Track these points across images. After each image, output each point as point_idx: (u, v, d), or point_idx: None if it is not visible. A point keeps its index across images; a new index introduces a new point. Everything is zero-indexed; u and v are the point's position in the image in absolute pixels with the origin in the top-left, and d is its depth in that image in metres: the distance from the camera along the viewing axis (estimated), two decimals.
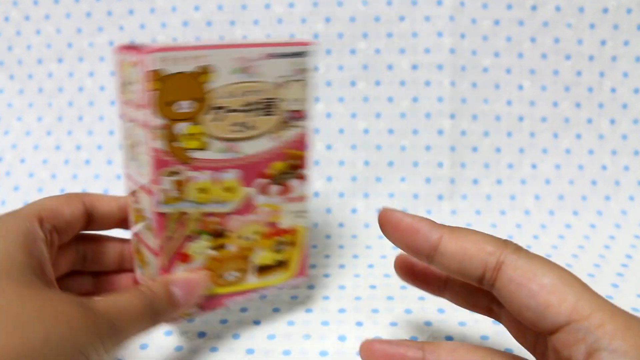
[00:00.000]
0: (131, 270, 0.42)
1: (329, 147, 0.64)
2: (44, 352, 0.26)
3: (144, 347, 0.42)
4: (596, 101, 0.63)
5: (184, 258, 0.37)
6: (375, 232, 0.59)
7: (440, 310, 0.45)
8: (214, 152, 0.36)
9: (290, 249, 0.41)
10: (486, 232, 0.30)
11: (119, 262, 0.42)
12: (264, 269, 0.41)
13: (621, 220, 0.60)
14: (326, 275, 0.51)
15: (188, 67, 0.33)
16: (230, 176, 0.37)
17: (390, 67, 0.63)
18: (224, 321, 0.44)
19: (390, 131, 0.63)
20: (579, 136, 0.64)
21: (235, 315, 0.45)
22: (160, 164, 0.34)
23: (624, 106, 0.63)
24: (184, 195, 0.35)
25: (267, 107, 0.37)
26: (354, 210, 0.62)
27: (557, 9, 0.62)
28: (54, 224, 0.34)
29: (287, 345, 0.42)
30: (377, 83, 0.63)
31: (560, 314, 0.26)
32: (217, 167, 0.36)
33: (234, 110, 0.36)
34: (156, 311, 0.34)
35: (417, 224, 0.30)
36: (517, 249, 0.28)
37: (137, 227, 0.39)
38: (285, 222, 0.40)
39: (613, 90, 0.63)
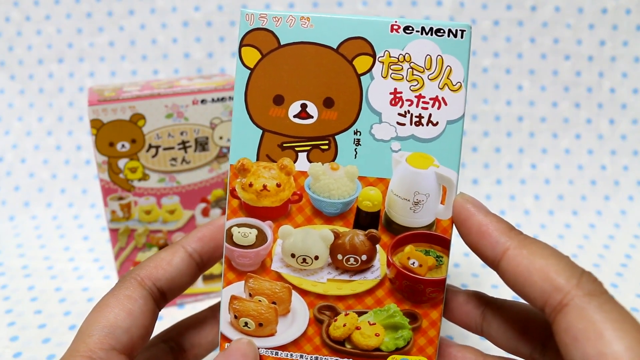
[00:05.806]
0: None
1: None
2: None
3: None
4: (595, 101, 0.63)
5: (136, 265, 0.45)
6: None
7: None
8: (154, 182, 0.43)
9: None
10: None
11: None
12: (211, 278, 0.47)
13: (620, 220, 0.60)
14: None
15: (124, 115, 0.40)
16: (172, 201, 0.44)
17: None
18: None
19: None
20: (578, 136, 0.64)
21: None
22: (107, 192, 0.42)
23: (623, 106, 0.63)
24: (131, 215, 0.43)
25: (202, 144, 0.43)
26: None
27: (557, 9, 0.62)
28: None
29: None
30: None
31: None
32: (158, 194, 0.43)
33: (171, 148, 0.42)
34: None
35: (485, 226, 0.26)
36: (592, 292, 0.22)
37: None
38: None
39: (612, 90, 0.63)
